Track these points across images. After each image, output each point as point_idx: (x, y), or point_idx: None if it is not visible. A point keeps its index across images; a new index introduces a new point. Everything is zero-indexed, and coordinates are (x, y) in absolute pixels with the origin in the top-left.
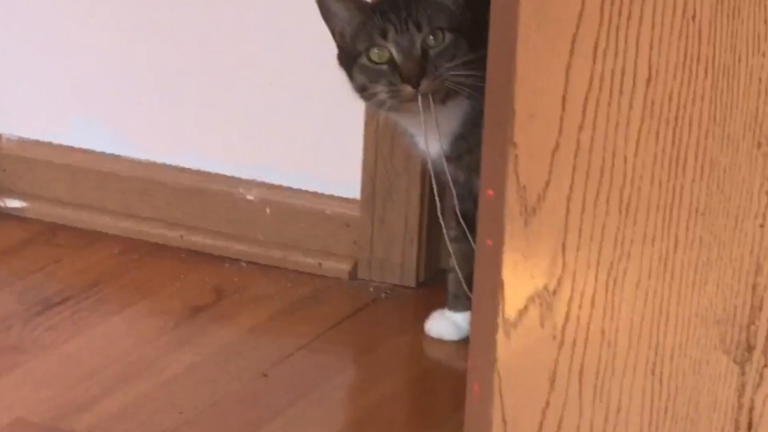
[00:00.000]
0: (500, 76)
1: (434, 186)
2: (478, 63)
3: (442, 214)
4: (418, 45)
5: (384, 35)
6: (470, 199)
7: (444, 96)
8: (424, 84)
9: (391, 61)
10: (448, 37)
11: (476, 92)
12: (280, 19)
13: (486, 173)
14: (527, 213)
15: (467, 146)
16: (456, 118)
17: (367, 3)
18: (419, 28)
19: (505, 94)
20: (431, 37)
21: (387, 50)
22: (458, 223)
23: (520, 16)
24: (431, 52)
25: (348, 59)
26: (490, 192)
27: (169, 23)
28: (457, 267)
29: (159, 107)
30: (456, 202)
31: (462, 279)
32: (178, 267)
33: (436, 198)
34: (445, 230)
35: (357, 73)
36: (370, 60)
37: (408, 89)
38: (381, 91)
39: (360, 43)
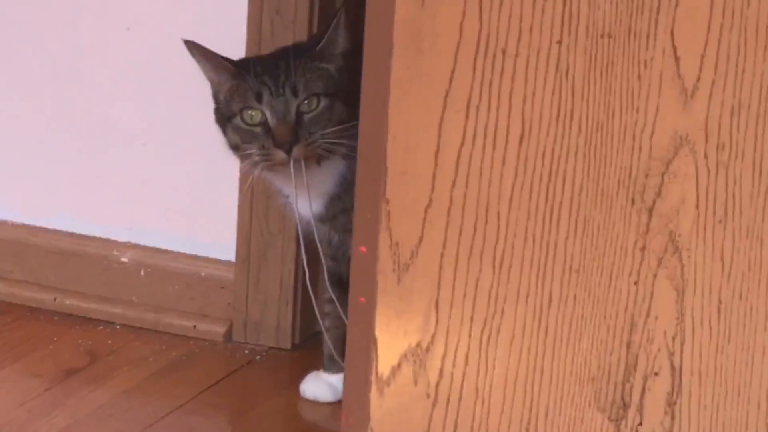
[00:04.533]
0: (373, 132)
1: (303, 252)
2: (354, 128)
3: (311, 280)
4: (292, 110)
5: (259, 98)
6: (344, 260)
7: (318, 158)
8: (297, 150)
9: (264, 124)
10: (324, 102)
11: (352, 152)
12: (155, 80)
13: (358, 230)
14: (400, 269)
15: (342, 206)
16: (331, 179)
17: (241, 62)
18: (295, 93)
19: (377, 150)
20: (306, 103)
21: (261, 113)
22: (332, 284)
23: (393, 70)
24: (305, 118)
25: (222, 118)
26: (363, 249)
27: (43, 84)
28: (331, 328)
29: (33, 169)
30: (330, 263)
31: (332, 341)
32: (51, 330)
33: (304, 265)
34: (312, 294)
35: (231, 132)
36: (243, 121)
37: (280, 154)
38: (254, 153)
39: (234, 105)
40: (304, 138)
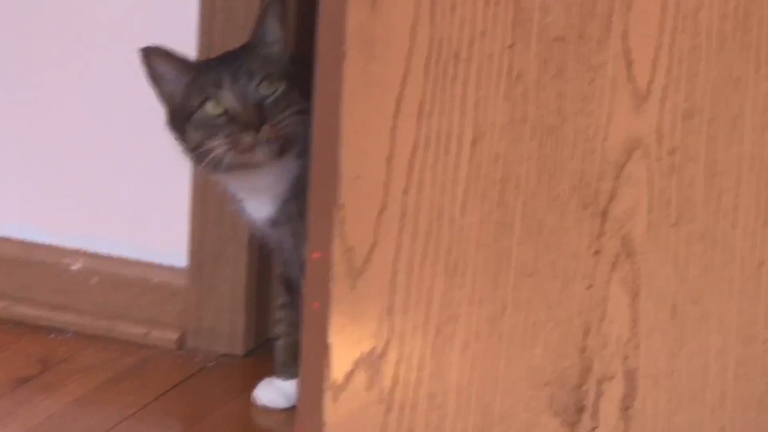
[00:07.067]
0: (325, 136)
1: (255, 258)
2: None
3: (265, 286)
4: (253, 92)
5: (219, 85)
6: (297, 265)
7: (280, 147)
8: (265, 129)
9: (227, 113)
10: (282, 85)
11: (305, 151)
12: (105, 86)
13: (312, 235)
14: (354, 275)
15: (295, 210)
16: (284, 181)
17: (196, 61)
18: (252, 76)
19: (330, 155)
20: (266, 84)
21: (223, 101)
22: (285, 289)
23: (345, 75)
24: (266, 101)
25: (181, 119)
26: (317, 254)
27: None
28: (284, 334)
29: None
30: (283, 268)
31: (286, 347)
32: (2, 338)
33: (257, 270)
34: (265, 300)
35: (192, 130)
36: (206, 113)
37: (248, 137)
38: (219, 144)
39: (194, 99)
40: (270, 118)
